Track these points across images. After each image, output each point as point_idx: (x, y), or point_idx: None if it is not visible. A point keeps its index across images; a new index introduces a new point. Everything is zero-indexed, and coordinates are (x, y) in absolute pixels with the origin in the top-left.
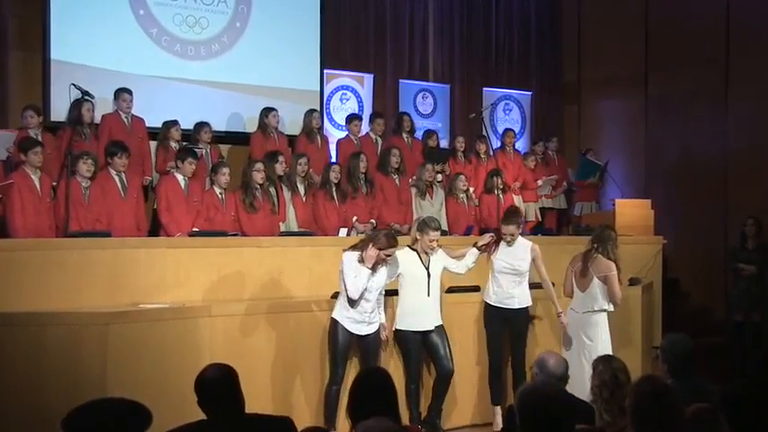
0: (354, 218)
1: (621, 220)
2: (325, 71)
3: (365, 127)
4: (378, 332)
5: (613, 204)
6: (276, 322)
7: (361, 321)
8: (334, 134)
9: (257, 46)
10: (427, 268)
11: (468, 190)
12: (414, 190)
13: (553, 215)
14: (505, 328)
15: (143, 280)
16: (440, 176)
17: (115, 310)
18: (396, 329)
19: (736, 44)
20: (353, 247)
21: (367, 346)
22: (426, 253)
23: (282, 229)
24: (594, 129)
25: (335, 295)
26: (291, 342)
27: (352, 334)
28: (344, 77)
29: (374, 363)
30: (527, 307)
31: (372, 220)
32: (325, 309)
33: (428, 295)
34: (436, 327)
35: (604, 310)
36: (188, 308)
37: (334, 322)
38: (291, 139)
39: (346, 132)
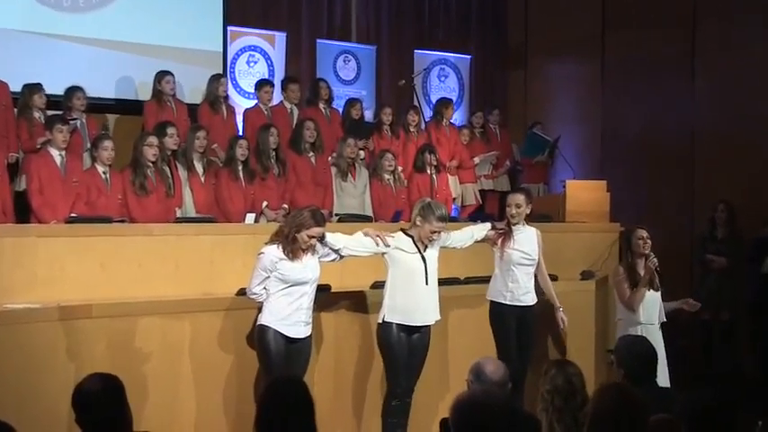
0: (264, 203)
1: (573, 205)
2: (229, 28)
3: (278, 95)
4: (312, 335)
5: (564, 186)
6: (171, 325)
7: (297, 322)
8: (241, 103)
9: None
10: (423, 254)
11: (395, 169)
12: (333, 169)
13: (495, 198)
14: (515, 330)
15: (8, 275)
16: (363, 153)
17: None
18: (380, 323)
19: (705, 3)
20: (273, 240)
21: (299, 351)
22: (424, 243)
23: (178, 214)
24: (543, 99)
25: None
26: (190, 349)
27: (287, 338)
28: (252, 36)
29: (302, 372)
30: (535, 304)
31: (285, 206)
32: (233, 308)
33: (426, 284)
34: (426, 327)
35: (620, 319)
36: (64, 308)
37: (263, 329)
38: (192, 109)
39: (255, 101)
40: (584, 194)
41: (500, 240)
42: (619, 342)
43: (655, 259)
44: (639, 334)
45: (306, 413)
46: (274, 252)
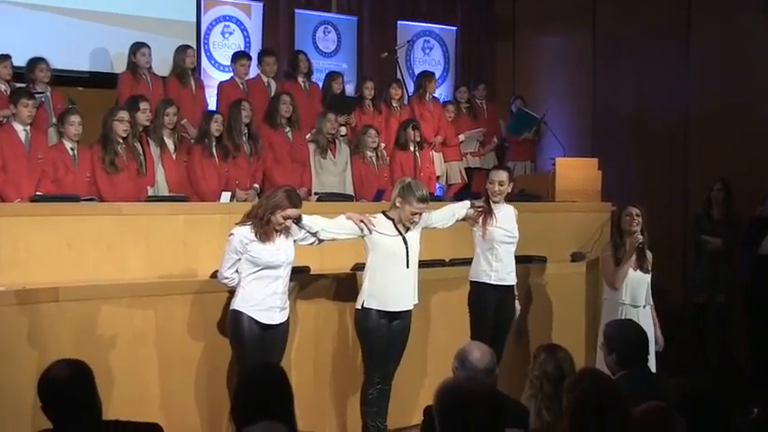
0: (236, 182)
1: (563, 184)
2: None
3: (254, 68)
4: (288, 321)
5: (553, 164)
6: (141, 309)
7: (272, 307)
8: (216, 76)
9: None
10: (404, 237)
11: (378, 146)
12: (312, 146)
13: (482, 177)
14: (494, 312)
15: None
16: (344, 129)
17: None
18: (359, 308)
19: None
20: (245, 220)
21: (274, 337)
22: (405, 225)
23: (150, 193)
24: (531, 72)
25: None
26: (161, 334)
27: (261, 324)
28: (226, 5)
29: (279, 359)
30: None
31: (256, 185)
32: (207, 291)
33: (407, 267)
34: (406, 312)
35: (606, 299)
36: (29, 291)
37: (237, 315)
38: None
39: (231, 74)
40: (575, 173)
41: (481, 219)
42: (607, 327)
43: (639, 236)
44: (625, 316)
45: (284, 401)
46: (244, 233)
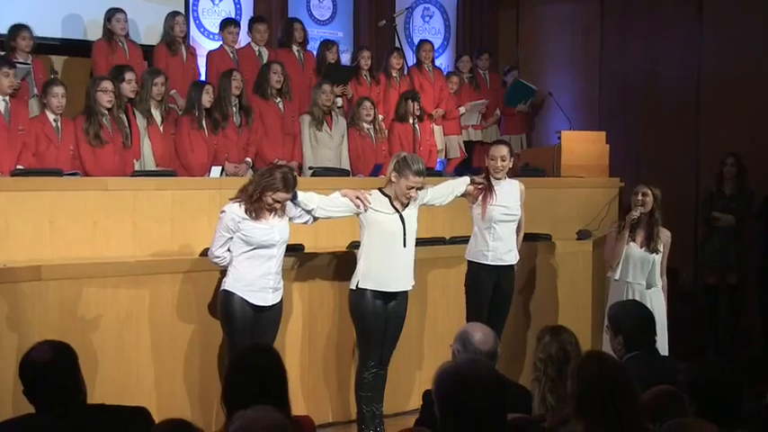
0: (225, 155)
1: (569, 158)
2: None
3: (245, 36)
4: (282, 302)
5: (559, 137)
6: (128, 289)
7: (264, 288)
8: (205, 45)
9: None
10: (401, 214)
11: (375, 119)
12: (307, 118)
13: (482, 151)
14: (491, 294)
15: None
16: (340, 101)
17: None
18: (353, 289)
19: None
20: (238, 196)
21: (267, 319)
22: (402, 202)
23: (136, 167)
24: (536, 41)
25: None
26: (148, 315)
27: (253, 306)
28: None
29: (271, 342)
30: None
31: (248, 159)
32: (196, 270)
33: (404, 246)
34: (403, 293)
35: (611, 279)
36: (9, 270)
37: (228, 295)
38: (148, 51)
39: (220, 43)
40: (582, 147)
41: (480, 196)
42: (611, 309)
43: (634, 212)
44: (632, 297)
45: (278, 384)
46: (236, 211)
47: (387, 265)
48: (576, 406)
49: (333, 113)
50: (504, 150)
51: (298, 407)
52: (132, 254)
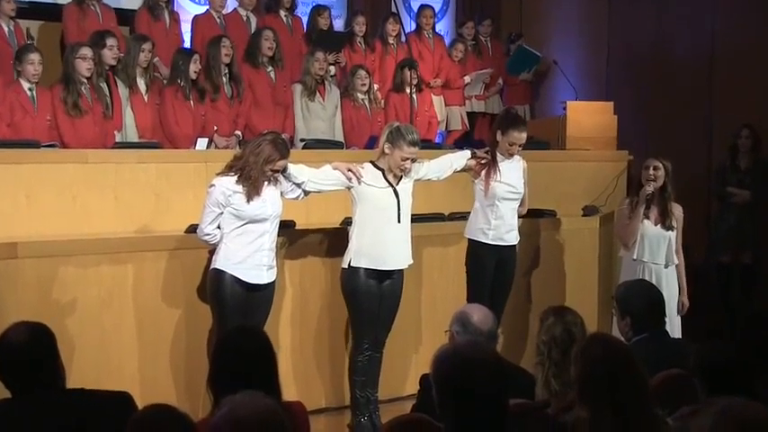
0: (215, 127)
1: (574, 130)
2: None
3: (233, 1)
4: (275, 281)
5: (564, 108)
6: (109, 267)
7: (258, 265)
8: (190, 10)
9: None
10: (395, 188)
11: (371, 88)
12: (299, 87)
13: (485, 122)
14: (493, 274)
15: None
16: (333, 69)
17: None
18: (346, 267)
19: None
20: (228, 170)
21: (259, 299)
22: (396, 174)
23: (118, 139)
24: (541, 5)
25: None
26: (132, 294)
27: (246, 284)
28: None
29: (262, 323)
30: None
31: (238, 132)
32: (183, 248)
33: (399, 221)
34: (398, 271)
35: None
36: None
37: (218, 274)
38: (126, 16)
39: (206, 7)
40: (588, 118)
41: (483, 172)
42: (619, 289)
43: (647, 188)
44: (645, 276)
45: (267, 368)
46: (227, 184)
47: (381, 241)
48: (579, 391)
49: (325, 83)
50: (525, 137)
51: (289, 392)
52: (114, 230)
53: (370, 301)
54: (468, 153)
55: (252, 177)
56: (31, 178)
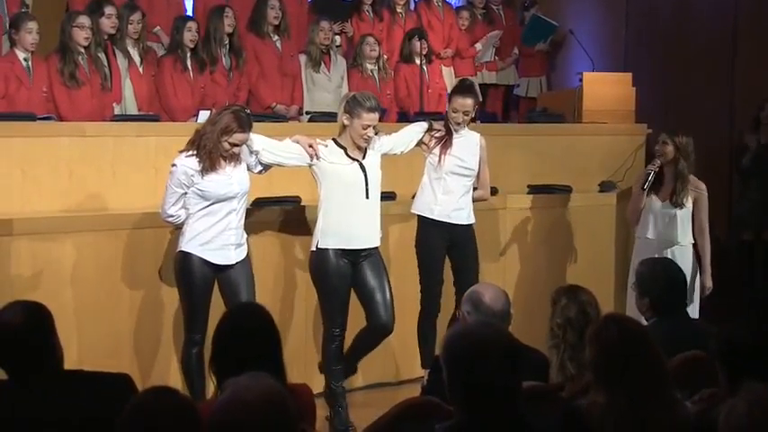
0: (213, 102)
1: (591, 102)
2: None
3: None
4: (248, 257)
5: (580, 79)
6: (107, 243)
7: (225, 245)
8: None
9: None
10: (361, 162)
11: (379, 58)
12: (303, 58)
13: (498, 94)
14: (445, 254)
15: None
16: (339, 39)
17: None
18: (314, 250)
19: None
20: (189, 146)
21: (232, 280)
22: (359, 147)
23: (117, 111)
24: None
25: None
26: (134, 272)
27: (214, 266)
28: None
29: (249, 299)
30: (473, 224)
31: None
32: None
33: (366, 197)
34: (372, 249)
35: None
36: None
37: (185, 257)
38: None
39: None
40: (605, 90)
41: (438, 146)
42: (641, 266)
43: (652, 165)
44: (654, 255)
45: (271, 347)
46: (189, 163)
47: (348, 219)
48: (594, 374)
49: (331, 53)
50: (469, 104)
51: (294, 374)
52: (112, 206)
53: (341, 281)
54: (425, 125)
55: (206, 147)
56: (26, 152)
